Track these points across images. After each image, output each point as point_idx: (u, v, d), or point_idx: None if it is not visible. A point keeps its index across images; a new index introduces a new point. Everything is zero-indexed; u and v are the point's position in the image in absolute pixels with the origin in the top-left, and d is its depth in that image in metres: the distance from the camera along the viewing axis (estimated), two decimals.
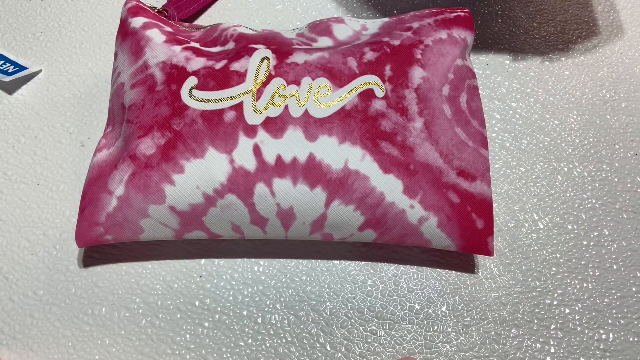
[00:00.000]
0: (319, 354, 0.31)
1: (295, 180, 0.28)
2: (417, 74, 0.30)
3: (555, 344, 0.31)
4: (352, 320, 0.32)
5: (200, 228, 0.31)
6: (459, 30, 0.32)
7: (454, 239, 0.30)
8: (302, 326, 0.32)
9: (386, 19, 0.35)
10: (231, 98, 0.29)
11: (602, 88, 0.39)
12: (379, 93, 0.29)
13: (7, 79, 0.39)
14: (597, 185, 0.35)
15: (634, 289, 0.32)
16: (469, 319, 0.32)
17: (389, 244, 0.32)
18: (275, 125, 0.29)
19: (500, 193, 0.35)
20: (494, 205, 0.35)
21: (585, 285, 0.32)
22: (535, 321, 0.31)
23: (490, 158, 0.36)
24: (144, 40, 0.32)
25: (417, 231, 0.30)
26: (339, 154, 0.28)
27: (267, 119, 0.29)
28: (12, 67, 0.39)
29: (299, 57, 0.31)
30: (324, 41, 0.33)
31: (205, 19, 0.43)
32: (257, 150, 0.29)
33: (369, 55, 0.31)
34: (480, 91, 0.37)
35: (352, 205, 0.29)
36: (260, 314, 0.32)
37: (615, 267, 0.33)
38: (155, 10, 0.37)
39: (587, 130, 0.37)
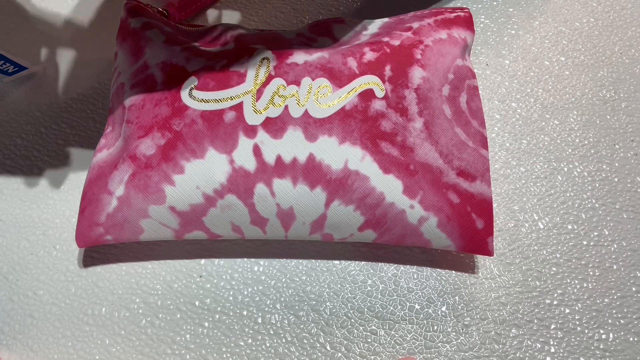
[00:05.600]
0: (319, 354, 0.31)
1: (295, 180, 0.28)
2: (417, 74, 0.30)
3: (555, 344, 0.31)
4: (352, 320, 0.32)
5: (200, 228, 0.31)
6: (459, 30, 0.32)
7: (454, 239, 0.30)
8: (302, 326, 0.32)
9: (386, 19, 0.35)
10: (231, 98, 0.29)
11: (602, 88, 0.39)
12: (379, 93, 0.29)
13: (7, 79, 0.40)
14: (597, 185, 0.35)
15: (634, 289, 0.32)
16: (469, 319, 0.32)
17: (389, 244, 0.32)
18: (275, 126, 0.29)
19: (500, 193, 0.35)
20: (494, 205, 0.35)
21: (585, 285, 0.32)
22: (535, 321, 0.31)
23: (490, 158, 0.36)
24: (144, 40, 0.32)
25: (417, 231, 0.30)
26: (339, 154, 0.28)
27: (267, 119, 0.29)
28: (12, 67, 0.39)
29: (299, 57, 0.31)
30: (324, 41, 0.33)
31: (205, 19, 0.43)
32: (257, 151, 0.29)
33: (369, 55, 0.31)
34: (480, 91, 0.37)
35: (352, 206, 0.29)
36: (260, 314, 0.32)
37: (615, 267, 0.33)
38: (155, 10, 0.37)
39: (587, 130, 0.37)
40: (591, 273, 0.33)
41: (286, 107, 0.29)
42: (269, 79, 0.30)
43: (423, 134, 0.29)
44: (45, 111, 0.39)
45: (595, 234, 0.34)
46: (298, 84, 0.29)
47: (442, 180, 0.29)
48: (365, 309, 0.32)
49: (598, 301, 0.32)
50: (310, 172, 0.28)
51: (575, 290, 0.32)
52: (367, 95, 0.29)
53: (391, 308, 0.32)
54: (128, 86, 0.31)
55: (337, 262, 0.33)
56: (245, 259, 0.34)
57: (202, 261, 0.34)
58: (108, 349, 0.31)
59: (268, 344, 0.31)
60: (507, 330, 0.31)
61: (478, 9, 0.43)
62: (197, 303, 0.32)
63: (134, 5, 0.35)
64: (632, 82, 0.39)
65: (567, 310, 0.32)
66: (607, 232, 0.34)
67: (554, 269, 0.33)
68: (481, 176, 0.30)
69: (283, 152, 0.28)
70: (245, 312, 0.32)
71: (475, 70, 0.39)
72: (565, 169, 0.36)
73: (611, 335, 0.31)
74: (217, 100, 0.29)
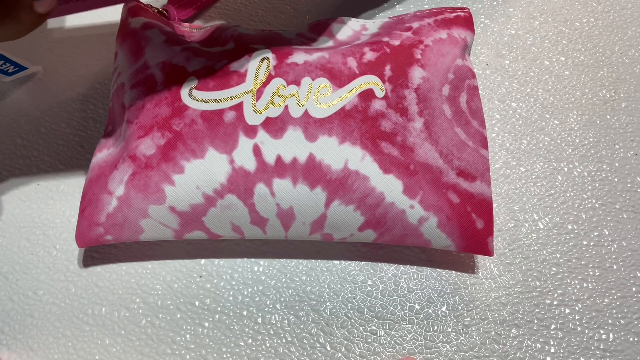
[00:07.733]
0: (319, 354, 0.31)
1: (295, 180, 0.29)
2: (417, 74, 0.30)
3: (555, 344, 0.31)
4: (352, 320, 0.32)
5: (200, 228, 0.31)
6: (459, 30, 0.32)
7: (454, 239, 0.30)
8: (302, 326, 0.32)
9: (386, 19, 0.35)
10: (231, 98, 0.29)
11: (602, 88, 0.39)
12: (379, 93, 0.29)
13: (7, 79, 0.40)
14: (597, 185, 0.35)
15: (634, 289, 0.32)
16: (469, 319, 0.32)
17: (389, 244, 0.32)
18: (275, 126, 0.29)
19: (500, 193, 0.35)
20: (494, 205, 0.35)
21: (585, 285, 0.32)
22: (535, 321, 0.31)
23: (490, 158, 0.36)
24: (144, 40, 0.32)
25: (417, 231, 0.30)
26: (339, 154, 0.28)
27: (267, 119, 0.29)
28: (12, 67, 0.39)
29: (298, 57, 0.31)
30: (324, 41, 0.33)
31: (205, 19, 0.43)
32: (257, 151, 0.29)
33: (369, 55, 0.31)
34: (480, 91, 0.37)
35: (352, 206, 0.29)
36: (260, 314, 0.32)
37: (615, 267, 0.33)
38: (156, 11, 0.37)
39: (587, 130, 0.37)
40: (591, 273, 0.33)
41: (286, 107, 0.29)
42: (269, 78, 0.30)
43: (423, 134, 0.29)
44: (45, 111, 0.39)
45: (595, 234, 0.34)
46: (298, 84, 0.29)
47: (442, 180, 0.29)
48: (365, 309, 0.32)
49: (598, 301, 0.32)
50: (310, 172, 0.28)
51: (575, 290, 0.32)
52: (367, 95, 0.29)
53: (391, 308, 0.32)
54: (128, 86, 0.31)
55: (337, 262, 0.33)
56: (245, 259, 0.34)
57: (202, 261, 0.34)
58: (108, 349, 0.31)
59: (268, 344, 0.31)
60: (507, 330, 0.31)
61: (478, 9, 0.43)
62: (197, 303, 0.32)
63: (134, 6, 0.35)
64: (632, 82, 0.39)
65: (567, 310, 0.32)
66: (607, 232, 0.34)
67: (554, 269, 0.33)
68: (481, 176, 0.30)
69: (283, 152, 0.28)
70: (245, 312, 0.32)
71: (475, 70, 0.39)
72: (565, 169, 0.36)
73: (611, 335, 0.31)
74: (217, 100, 0.29)
